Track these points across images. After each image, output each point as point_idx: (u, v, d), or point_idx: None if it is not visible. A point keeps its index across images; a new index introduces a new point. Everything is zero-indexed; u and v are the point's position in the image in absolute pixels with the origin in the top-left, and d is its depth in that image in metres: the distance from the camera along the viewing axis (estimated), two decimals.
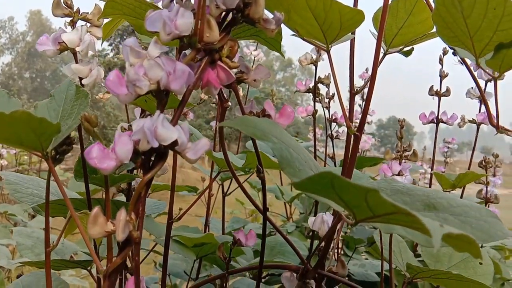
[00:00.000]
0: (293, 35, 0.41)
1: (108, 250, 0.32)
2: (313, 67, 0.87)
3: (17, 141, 0.29)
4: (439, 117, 0.84)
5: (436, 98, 0.86)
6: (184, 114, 1.18)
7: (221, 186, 1.12)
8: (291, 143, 0.32)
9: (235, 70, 0.36)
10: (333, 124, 0.94)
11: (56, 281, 0.59)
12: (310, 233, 1.03)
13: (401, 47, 0.45)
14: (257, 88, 0.38)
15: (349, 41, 0.42)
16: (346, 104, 0.44)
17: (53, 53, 0.42)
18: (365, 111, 0.37)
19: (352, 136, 0.39)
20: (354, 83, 0.44)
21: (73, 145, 0.32)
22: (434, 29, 0.43)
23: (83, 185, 0.52)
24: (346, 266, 0.43)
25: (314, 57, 0.83)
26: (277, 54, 0.45)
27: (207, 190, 1.16)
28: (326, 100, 0.90)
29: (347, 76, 0.47)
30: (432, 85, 0.86)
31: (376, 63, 0.39)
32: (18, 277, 0.68)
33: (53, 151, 0.32)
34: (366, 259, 1.25)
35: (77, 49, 0.41)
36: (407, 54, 0.46)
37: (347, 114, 0.39)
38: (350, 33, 0.40)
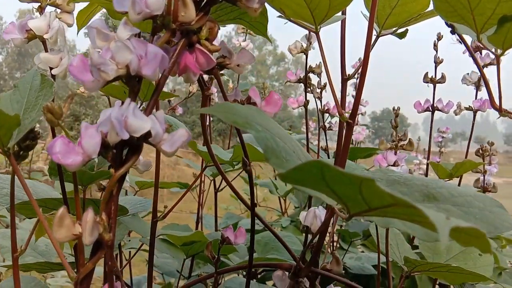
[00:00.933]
0: (279, 16, 0.38)
1: (79, 254, 0.29)
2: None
3: None
4: (435, 105, 0.82)
5: (431, 86, 0.83)
6: (173, 109, 1.14)
7: (213, 181, 1.09)
8: (277, 132, 0.29)
9: (216, 54, 0.34)
10: (326, 115, 0.91)
11: (37, 286, 0.56)
12: (305, 228, 1.01)
13: (394, 28, 0.42)
14: (241, 73, 0.35)
15: (339, 23, 0.40)
16: (337, 91, 0.41)
17: (20, 42, 0.39)
18: (358, 96, 0.35)
19: (345, 124, 0.37)
20: (346, 70, 0.41)
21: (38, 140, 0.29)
22: (430, 8, 0.40)
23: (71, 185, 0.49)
24: (341, 262, 0.41)
25: (304, 45, 0.80)
26: (270, 48, 0.42)
27: (199, 187, 1.14)
28: (318, 90, 0.87)
29: (339, 63, 0.44)
30: (427, 72, 0.83)
31: (369, 46, 0.36)
32: None
33: (15, 146, 0.29)
34: (362, 251, 1.23)
35: (46, 36, 0.38)
36: (401, 36, 0.43)
37: (339, 101, 0.36)
38: (340, 13, 0.37)
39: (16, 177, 0.36)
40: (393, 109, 0.68)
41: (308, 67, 0.82)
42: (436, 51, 0.84)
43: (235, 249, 0.75)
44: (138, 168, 0.53)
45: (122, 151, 0.28)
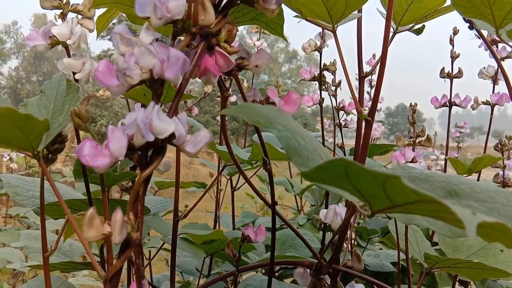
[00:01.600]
0: (295, 16, 0.38)
1: (108, 253, 0.30)
2: (318, 58, 0.84)
3: (5, 141, 0.27)
4: (452, 100, 0.81)
5: (448, 80, 0.83)
6: (189, 109, 1.16)
7: (229, 180, 1.10)
8: (298, 131, 0.29)
9: (234, 56, 0.34)
10: (341, 113, 0.91)
11: (63, 285, 0.57)
12: (322, 225, 1.01)
13: (411, 24, 0.42)
14: (259, 74, 0.35)
15: (355, 21, 0.40)
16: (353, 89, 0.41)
17: (44, 48, 0.40)
18: (376, 93, 0.35)
19: (364, 121, 0.37)
20: (362, 67, 0.41)
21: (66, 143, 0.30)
22: (447, 3, 0.40)
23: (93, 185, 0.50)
24: (362, 260, 0.41)
25: (318, 43, 0.81)
26: (282, 46, 0.43)
27: (216, 186, 1.15)
28: (333, 88, 0.87)
29: (353, 62, 0.44)
30: (444, 67, 0.82)
31: (386, 43, 0.36)
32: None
33: (44, 150, 0.30)
34: (380, 249, 1.22)
35: (68, 42, 0.39)
36: (418, 32, 0.43)
37: (357, 98, 0.36)
38: (356, 11, 0.37)
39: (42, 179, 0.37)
40: (410, 105, 0.68)
41: (322, 65, 0.82)
42: (453, 46, 0.83)
43: (254, 247, 0.76)
44: (158, 169, 0.54)
45: (147, 153, 0.29)
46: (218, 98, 1.27)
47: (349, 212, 0.32)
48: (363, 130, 0.38)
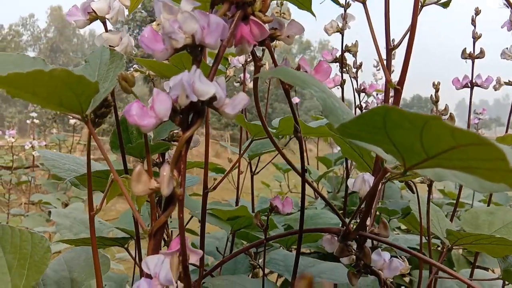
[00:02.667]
0: None
1: (152, 210, 0.32)
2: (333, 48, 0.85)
3: (57, 102, 0.29)
4: (474, 81, 0.81)
5: (470, 61, 0.82)
6: None
7: (249, 164, 1.12)
8: (331, 94, 0.31)
9: (268, 26, 0.35)
10: (362, 95, 0.91)
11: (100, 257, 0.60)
12: (341, 211, 1.02)
13: None
14: (290, 44, 0.36)
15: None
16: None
17: (83, 23, 0.42)
18: (405, 63, 0.36)
19: (392, 91, 0.38)
20: (390, 40, 0.42)
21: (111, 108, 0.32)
22: None
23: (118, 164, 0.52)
24: (389, 227, 0.42)
25: (340, 24, 0.81)
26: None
27: (237, 171, 1.16)
28: (354, 70, 0.88)
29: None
30: (465, 48, 0.82)
31: (416, 12, 0.37)
32: None
33: (91, 114, 0.32)
34: (397, 234, 1.23)
35: (107, 16, 0.41)
36: (445, 5, 0.44)
37: (385, 67, 0.37)
38: None
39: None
40: (433, 84, 0.68)
41: (344, 46, 0.82)
42: (474, 26, 0.82)
43: (276, 225, 0.78)
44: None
45: (188, 116, 0.30)
46: (237, 84, 1.29)
47: (378, 176, 0.34)
48: (391, 101, 0.39)
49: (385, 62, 0.39)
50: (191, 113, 0.30)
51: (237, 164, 1.04)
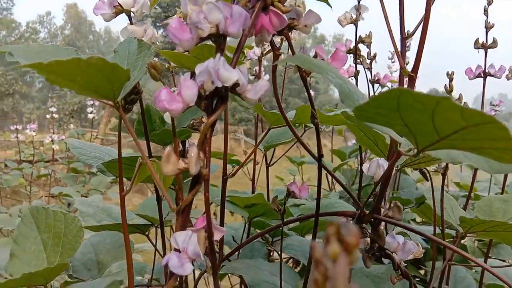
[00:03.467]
0: None
1: (178, 190, 0.34)
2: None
3: (92, 88, 0.31)
4: (487, 70, 0.81)
5: (482, 51, 0.83)
6: None
7: (264, 156, 1.14)
8: (347, 80, 0.32)
9: (286, 16, 0.37)
10: (376, 86, 0.92)
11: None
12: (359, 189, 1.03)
13: None
14: (307, 34, 0.38)
15: None
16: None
17: (109, 16, 0.44)
18: (419, 50, 0.37)
19: (406, 79, 0.39)
20: (404, 30, 0.43)
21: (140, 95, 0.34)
22: None
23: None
24: (402, 210, 0.44)
25: (354, 16, 0.82)
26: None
27: (252, 164, 1.18)
28: (368, 61, 0.89)
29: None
30: (478, 38, 0.82)
31: (429, 2, 0.38)
32: None
33: (122, 100, 0.34)
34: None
35: (132, 9, 0.43)
36: None
37: (400, 55, 0.39)
38: None
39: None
40: (447, 73, 0.69)
41: (358, 37, 0.83)
42: (487, 16, 0.82)
43: (291, 213, 0.80)
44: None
45: (212, 101, 0.32)
46: (251, 77, 1.30)
47: (392, 160, 0.35)
48: (405, 87, 0.40)
49: (399, 51, 0.41)
50: (215, 99, 0.32)
51: (254, 154, 1.06)
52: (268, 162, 1.18)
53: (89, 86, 0.31)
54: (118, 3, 0.43)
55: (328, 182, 1.76)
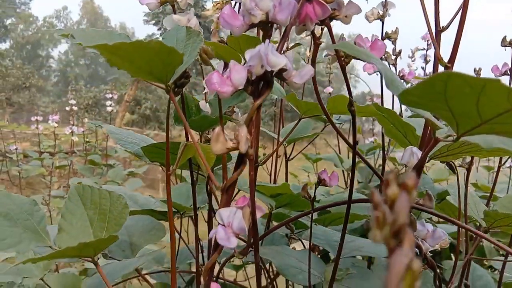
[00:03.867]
0: None
1: (224, 170, 0.36)
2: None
3: (148, 70, 0.33)
4: None
5: (509, 49, 0.83)
6: None
7: (285, 150, 1.15)
8: (389, 68, 0.34)
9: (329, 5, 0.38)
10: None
11: (152, 223, 0.65)
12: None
13: None
14: (348, 24, 0.39)
15: None
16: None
17: (154, 6, 0.46)
18: (457, 41, 0.38)
19: (443, 69, 0.40)
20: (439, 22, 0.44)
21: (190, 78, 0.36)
22: None
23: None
24: (433, 199, 0.45)
25: (381, 12, 0.83)
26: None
27: (275, 154, 1.20)
28: (393, 57, 0.89)
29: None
30: (505, 36, 0.82)
31: None
32: None
33: (173, 84, 0.36)
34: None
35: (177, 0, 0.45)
36: None
37: (436, 44, 0.40)
38: None
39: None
40: (474, 70, 0.69)
41: (384, 33, 0.84)
42: None
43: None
44: (238, 121, 0.60)
45: (259, 86, 0.34)
46: None
47: (429, 146, 0.37)
48: None
49: (435, 42, 0.42)
50: (261, 84, 0.34)
51: (276, 148, 1.08)
52: (288, 156, 1.20)
53: (146, 68, 0.33)
54: None
55: (345, 180, 1.77)
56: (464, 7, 0.38)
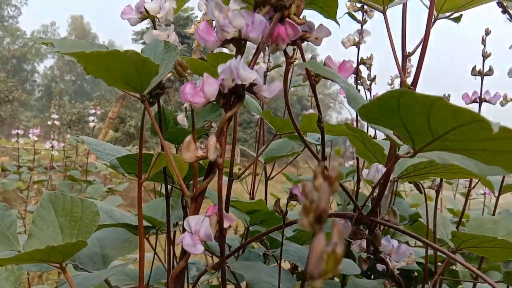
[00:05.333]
0: (349, 0, 0.45)
1: (194, 178, 0.37)
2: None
3: (124, 80, 0.34)
4: (482, 96, 0.85)
5: (479, 78, 0.87)
6: None
7: (264, 169, 1.17)
8: (352, 86, 0.36)
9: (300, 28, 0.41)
10: None
11: (126, 235, 0.65)
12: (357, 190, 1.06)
13: (450, 12, 0.48)
14: (318, 45, 0.42)
15: (401, 6, 0.46)
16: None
17: (135, 21, 0.48)
18: (419, 66, 0.41)
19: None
20: (406, 48, 0.47)
21: (165, 90, 0.38)
22: None
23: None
24: (398, 215, 0.47)
25: (357, 39, 0.87)
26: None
27: (250, 177, 1.21)
28: (368, 82, 0.93)
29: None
30: (475, 65, 0.87)
31: (429, 25, 0.42)
32: None
33: (148, 94, 0.37)
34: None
35: (158, 16, 0.46)
36: (456, 20, 0.49)
37: (401, 70, 0.42)
38: None
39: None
40: (443, 96, 0.73)
41: (359, 59, 0.88)
42: (484, 45, 0.87)
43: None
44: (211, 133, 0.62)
45: (230, 98, 0.36)
46: None
47: (391, 162, 0.38)
48: None
49: (401, 67, 0.44)
50: (232, 97, 0.36)
51: (254, 165, 1.09)
52: (267, 175, 1.21)
53: (122, 77, 0.34)
54: (145, 9, 0.47)
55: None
56: (426, 34, 0.41)
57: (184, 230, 0.57)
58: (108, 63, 0.32)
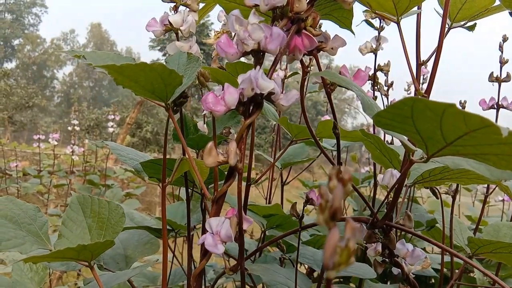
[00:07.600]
0: (365, 11, 0.46)
1: (215, 181, 0.39)
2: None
3: (151, 90, 0.36)
4: (500, 103, 0.85)
5: (496, 84, 0.87)
6: None
7: (280, 174, 1.18)
8: (367, 94, 0.37)
9: (316, 39, 0.42)
10: None
11: (147, 237, 0.67)
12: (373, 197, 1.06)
13: (464, 21, 0.49)
14: (334, 55, 0.43)
15: (415, 16, 0.47)
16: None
17: (159, 33, 0.51)
18: (432, 74, 0.42)
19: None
20: (420, 57, 0.48)
21: (188, 98, 0.40)
22: (497, 3, 0.47)
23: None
24: (413, 219, 0.48)
25: (374, 45, 0.88)
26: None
27: (267, 182, 1.23)
28: (385, 88, 0.94)
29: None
30: (492, 72, 0.87)
31: (442, 35, 0.43)
32: None
33: (172, 103, 0.39)
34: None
35: (181, 28, 0.49)
36: (470, 29, 0.50)
37: (415, 78, 0.44)
38: (417, 8, 0.45)
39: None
40: (460, 102, 0.73)
41: (377, 65, 0.89)
42: (502, 52, 0.87)
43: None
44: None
45: (249, 107, 0.38)
46: None
47: (405, 167, 0.40)
48: None
49: (415, 75, 0.46)
50: (251, 105, 0.38)
51: (271, 171, 1.10)
52: (284, 180, 1.22)
53: (149, 87, 0.36)
54: (169, 22, 0.49)
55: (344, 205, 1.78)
56: (440, 43, 0.42)
57: (205, 231, 0.59)
58: (136, 74, 0.34)
